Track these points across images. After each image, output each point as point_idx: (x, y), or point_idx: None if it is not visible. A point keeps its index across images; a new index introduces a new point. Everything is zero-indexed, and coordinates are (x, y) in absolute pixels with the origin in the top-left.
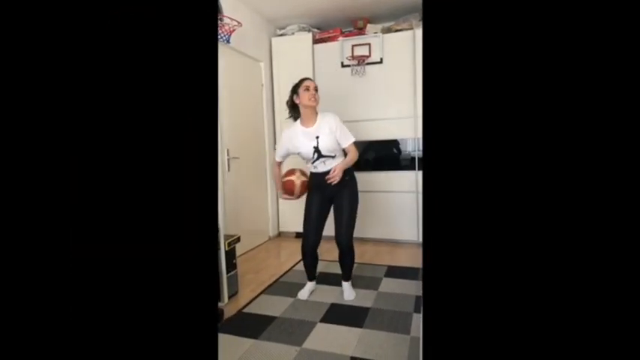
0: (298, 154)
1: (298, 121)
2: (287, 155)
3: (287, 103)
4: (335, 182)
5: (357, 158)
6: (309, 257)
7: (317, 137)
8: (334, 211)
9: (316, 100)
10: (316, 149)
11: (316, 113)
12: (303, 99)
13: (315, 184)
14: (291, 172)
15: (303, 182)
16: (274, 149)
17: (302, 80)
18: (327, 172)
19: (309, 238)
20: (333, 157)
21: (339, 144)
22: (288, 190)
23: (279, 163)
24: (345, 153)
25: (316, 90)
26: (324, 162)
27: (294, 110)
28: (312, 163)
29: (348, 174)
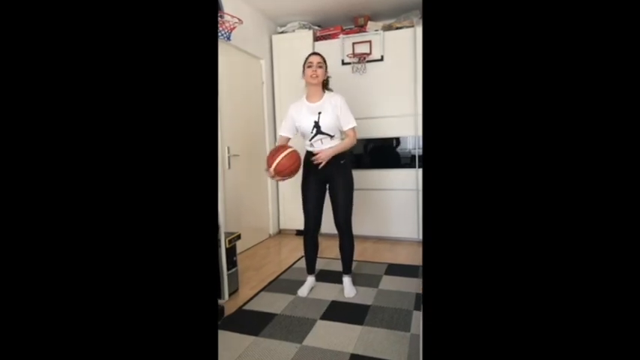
0: (298, 128)
1: (304, 95)
2: (293, 129)
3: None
4: (319, 162)
5: (355, 143)
6: (311, 242)
7: (319, 113)
8: (330, 196)
9: (318, 76)
10: (316, 124)
11: (323, 91)
12: (306, 76)
13: (310, 167)
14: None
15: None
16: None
17: (308, 56)
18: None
19: (310, 221)
20: (331, 136)
21: (340, 125)
22: (288, 166)
23: (287, 139)
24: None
25: (320, 66)
26: (321, 140)
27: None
28: (310, 140)
29: (344, 158)
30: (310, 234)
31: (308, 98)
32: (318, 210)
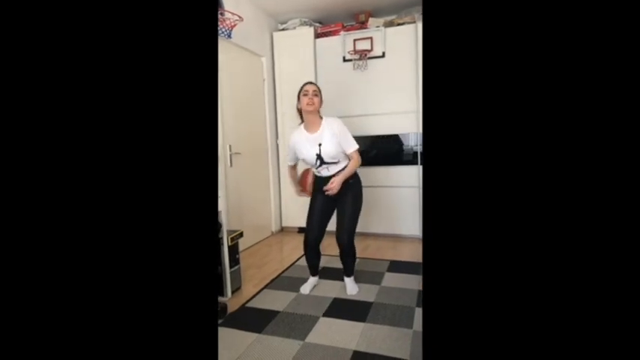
0: (302, 160)
1: (303, 125)
2: (297, 158)
3: (297, 107)
4: (332, 194)
5: (360, 164)
6: (312, 253)
7: (319, 144)
8: (337, 212)
9: (314, 105)
10: (319, 156)
11: (320, 118)
12: (302, 104)
13: (320, 187)
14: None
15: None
16: (276, 144)
17: (303, 85)
18: (331, 177)
19: (312, 235)
20: (336, 162)
21: (342, 149)
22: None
23: (294, 166)
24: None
25: (316, 95)
26: (327, 168)
27: (302, 115)
28: (316, 168)
29: (353, 177)
30: (311, 246)
31: (307, 128)
32: (321, 224)
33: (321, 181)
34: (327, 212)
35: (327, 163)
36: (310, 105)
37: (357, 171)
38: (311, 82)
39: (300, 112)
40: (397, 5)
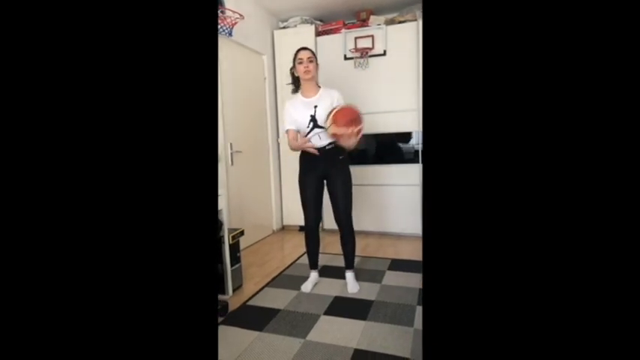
0: (295, 122)
1: (300, 92)
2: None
3: (290, 71)
4: (317, 155)
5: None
6: (312, 238)
7: (315, 106)
8: (329, 192)
9: (311, 72)
10: (312, 117)
11: (318, 86)
12: (299, 72)
13: (308, 163)
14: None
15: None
16: (278, 143)
17: (297, 51)
18: (321, 149)
19: (310, 216)
20: None
21: None
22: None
23: (297, 132)
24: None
25: (311, 61)
26: (319, 135)
27: (296, 81)
28: (307, 135)
29: (342, 153)
30: (311, 229)
31: (303, 94)
32: (317, 205)
33: (308, 156)
34: (319, 190)
35: (320, 128)
36: (307, 73)
37: (359, 167)
38: (305, 48)
39: (294, 77)
40: (399, 3)
